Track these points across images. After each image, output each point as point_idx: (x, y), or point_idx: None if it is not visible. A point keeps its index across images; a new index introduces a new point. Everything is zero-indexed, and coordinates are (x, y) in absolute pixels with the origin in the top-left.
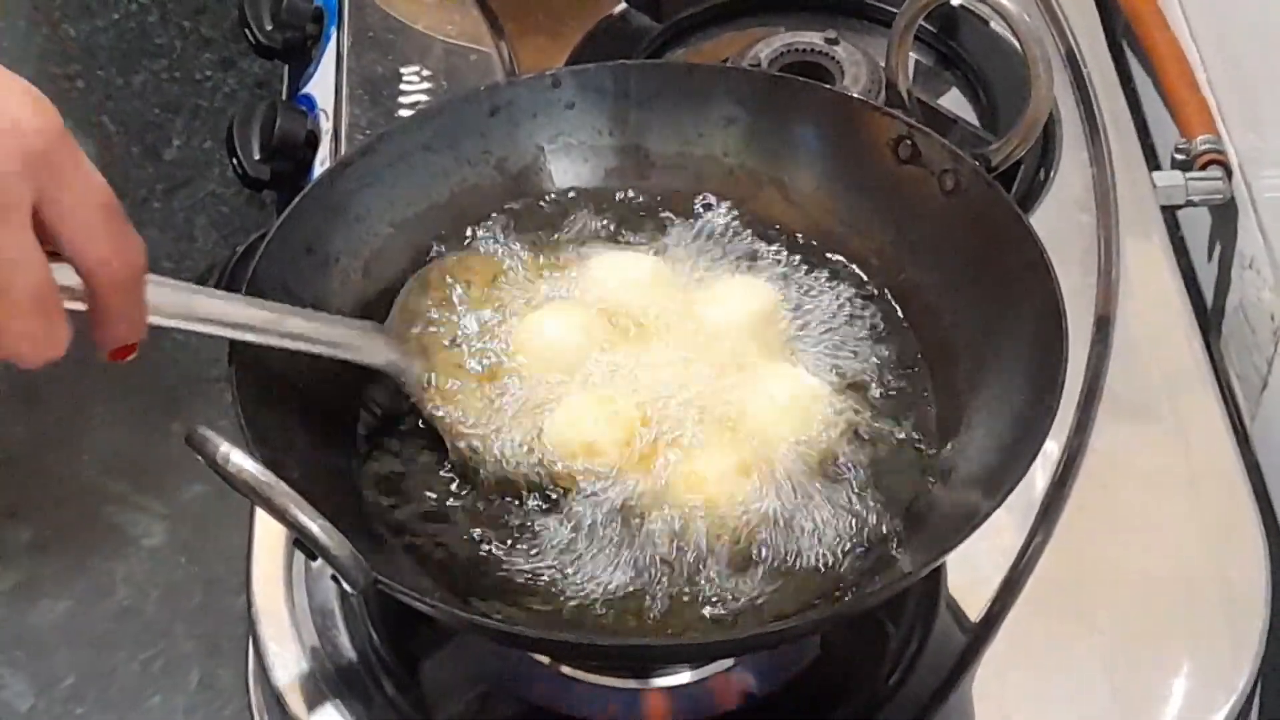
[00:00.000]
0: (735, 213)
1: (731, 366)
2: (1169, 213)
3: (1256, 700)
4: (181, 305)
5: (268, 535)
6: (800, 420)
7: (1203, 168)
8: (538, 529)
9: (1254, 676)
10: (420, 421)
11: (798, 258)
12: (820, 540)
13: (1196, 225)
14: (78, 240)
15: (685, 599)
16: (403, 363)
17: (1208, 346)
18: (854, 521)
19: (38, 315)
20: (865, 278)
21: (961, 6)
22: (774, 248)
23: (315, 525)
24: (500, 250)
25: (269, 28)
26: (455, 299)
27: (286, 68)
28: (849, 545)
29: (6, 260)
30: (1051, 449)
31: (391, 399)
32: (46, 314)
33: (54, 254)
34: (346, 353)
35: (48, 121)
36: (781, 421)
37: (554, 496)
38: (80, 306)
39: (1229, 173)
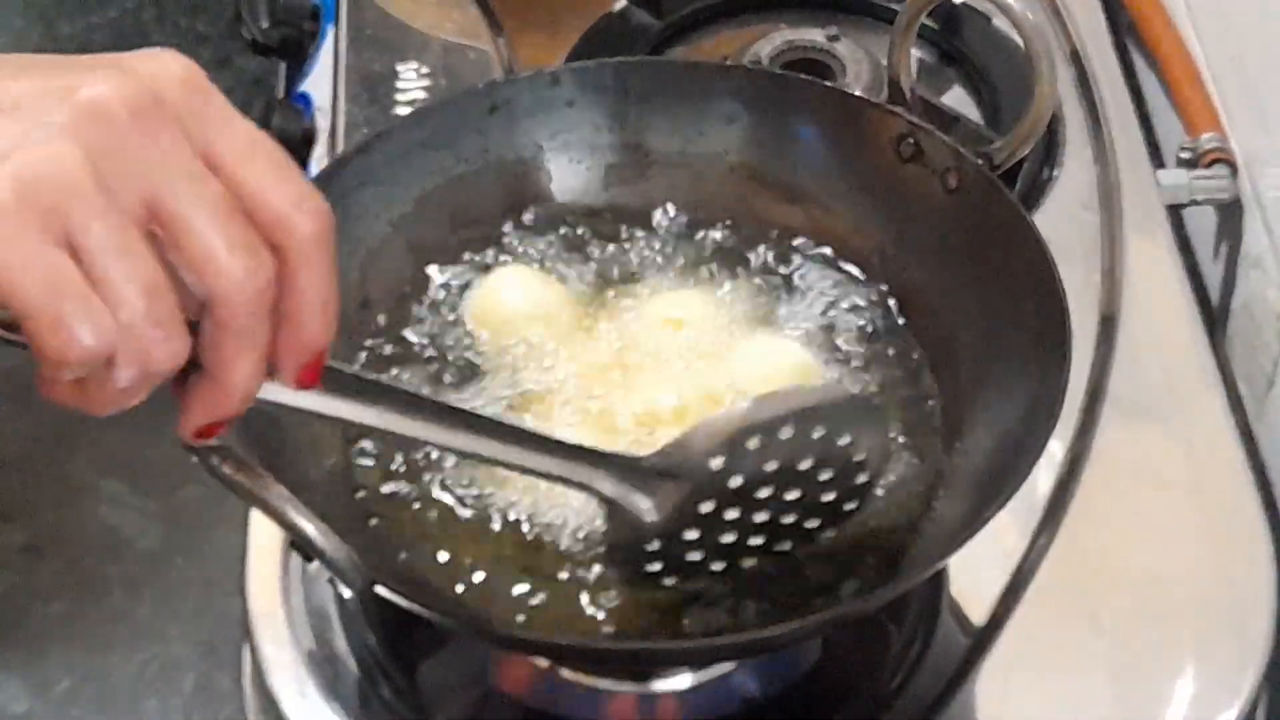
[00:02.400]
0: (735, 213)
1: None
2: (1174, 211)
3: (1262, 703)
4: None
5: (264, 537)
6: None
7: (1208, 166)
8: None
9: (1260, 679)
10: None
11: (798, 257)
12: (822, 543)
13: (1201, 224)
14: (249, 192)
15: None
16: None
17: (1213, 346)
18: (854, 524)
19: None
20: (867, 277)
21: (964, 3)
22: (773, 248)
23: (312, 527)
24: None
25: (265, 25)
26: None
27: (283, 65)
28: (850, 547)
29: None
30: (1055, 450)
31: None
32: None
33: None
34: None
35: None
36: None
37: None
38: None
39: (1234, 171)
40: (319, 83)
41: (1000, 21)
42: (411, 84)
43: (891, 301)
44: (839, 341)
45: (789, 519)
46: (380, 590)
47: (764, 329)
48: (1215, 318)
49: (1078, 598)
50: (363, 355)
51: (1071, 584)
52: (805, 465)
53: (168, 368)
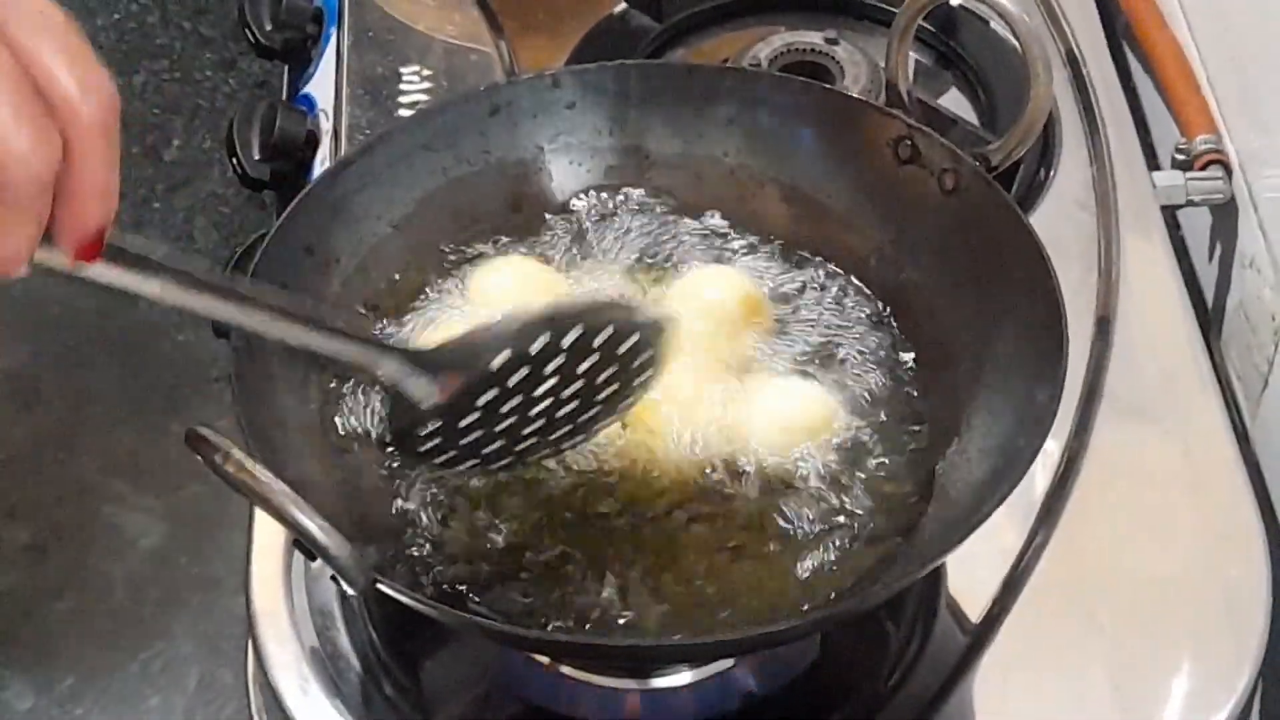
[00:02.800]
0: (734, 214)
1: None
2: (1169, 212)
3: (1257, 700)
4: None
5: (267, 536)
6: (800, 426)
7: (1203, 167)
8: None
9: (1255, 676)
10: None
11: (797, 257)
12: (821, 542)
13: (1197, 225)
14: (38, 71)
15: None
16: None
17: (1208, 346)
18: (854, 523)
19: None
20: (865, 277)
21: (961, 6)
22: (773, 247)
23: (315, 526)
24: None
25: (269, 28)
26: None
27: (286, 68)
28: (850, 546)
29: None
30: (1052, 449)
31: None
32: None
33: None
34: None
35: None
36: (782, 429)
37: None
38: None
39: (1229, 172)
40: (322, 85)
41: (997, 24)
42: (413, 86)
43: (889, 302)
44: (836, 341)
45: (566, 410)
46: (383, 588)
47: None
48: (1210, 318)
49: (1074, 595)
50: None
51: (1068, 582)
52: (585, 366)
53: None
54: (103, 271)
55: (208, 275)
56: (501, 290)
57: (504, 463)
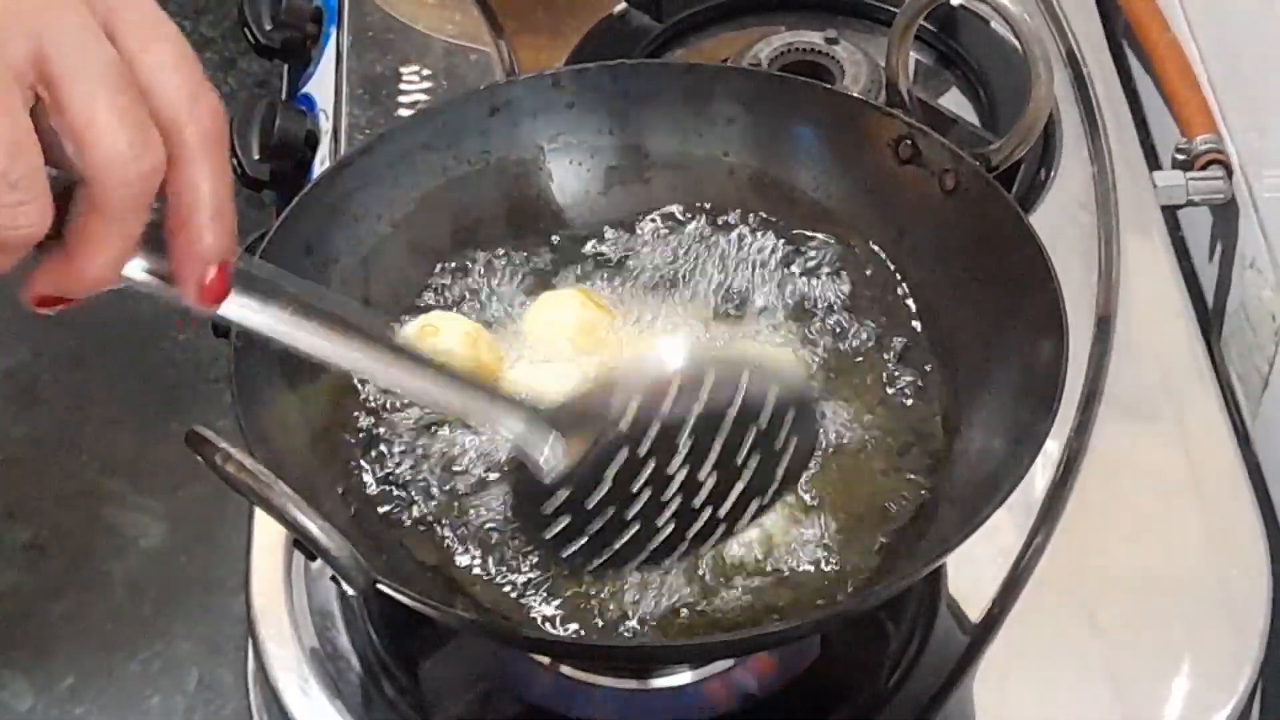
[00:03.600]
0: (734, 215)
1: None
2: (1169, 212)
3: (1257, 701)
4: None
5: (267, 536)
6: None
7: (1203, 167)
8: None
9: (1255, 677)
10: (422, 420)
11: (796, 257)
12: (821, 542)
13: (1197, 225)
14: (146, 77)
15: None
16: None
17: (1208, 346)
18: (853, 523)
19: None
20: (864, 278)
21: (962, 6)
22: (772, 248)
23: (314, 526)
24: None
25: (269, 28)
26: None
27: (286, 67)
28: (848, 546)
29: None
30: (1052, 449)
31: (391, 399)
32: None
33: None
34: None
35: None
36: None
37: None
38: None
39: (1229, 172)
40: (322, 85)
41: (997, 24)
42: (413, 86)
43: (889, 302)
44: (836, 341)
45: (706, 490)
46: (383, 588)
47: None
48: (1210, 318)
49: (1074, 595)
50: None
51: (1068, 582)
52: (721, 441)
53: (22, 236)
54: (242, 314)
55: (359, 316)
56: (555, 325)
57: (638, 559)
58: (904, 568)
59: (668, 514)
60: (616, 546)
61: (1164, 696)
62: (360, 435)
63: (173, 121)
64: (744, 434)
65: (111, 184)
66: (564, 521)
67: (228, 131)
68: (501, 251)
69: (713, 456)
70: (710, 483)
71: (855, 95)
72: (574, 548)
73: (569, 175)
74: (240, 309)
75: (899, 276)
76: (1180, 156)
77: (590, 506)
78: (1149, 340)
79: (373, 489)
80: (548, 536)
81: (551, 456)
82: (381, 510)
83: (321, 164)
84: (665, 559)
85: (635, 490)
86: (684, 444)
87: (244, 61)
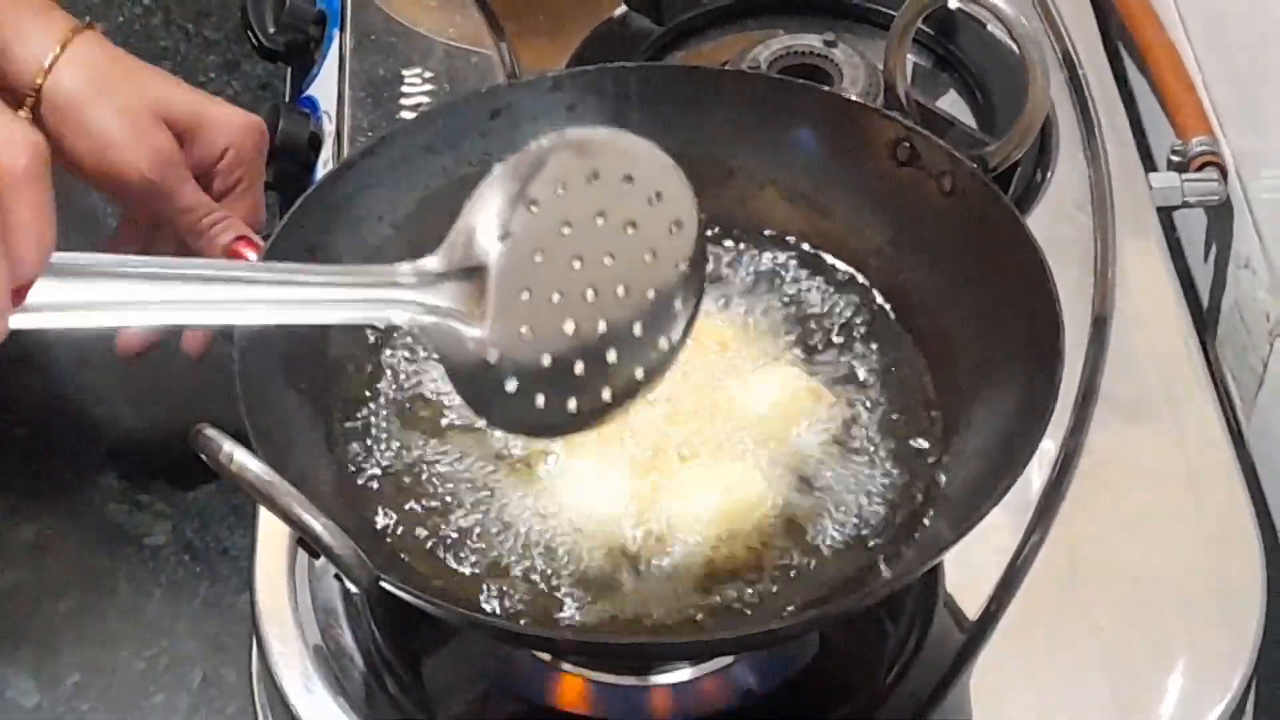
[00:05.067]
0: (734, 216)
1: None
2: (1165, 214)
3: (1251, 698)
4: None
5: (271, 534)
6: (799, 423)
7: (1198, 169)
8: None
9: (1249, 674)
10: (426, 420)
11: (795, 260)
12: (820, 540)
13: (1192, 226)
14: None
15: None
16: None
17: (1203, 346)
18: (854, 522)
19: None
20: (863, 279)
21: (959, 9)
22: (772, 250)
23: (318, 524)
24: None
25: (272, 30)
26: None
27: (289, 70)
28: (848, 545)
29: None
30: (1048, 448)
31: (397, 397)
32: None
33: None
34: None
35: None
36: (780, 425)
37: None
38: None
39: (1224, 174)
40: (324, 87)
41: (994, 27)
42: (415, 88)
43: (887, 303)
44: (836, 342)
45: (621, 289)
46: (386, 586)
47: (762, 332)
48: (1206, 318)
49: (1070, 594)
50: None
51: (1064, 580)
52: (605, 215)
53: None
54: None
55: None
56: None
57: (595, 390)
58: (901, 566)
59: (589, 310)
60: (573, 377)
61: (1159, 694)
62: (366, 434)
63: None
64: (626, 229)
65: None
66: (515, 382)
67: (45, 162)
68: None
69: (608, 259)
70: (615, 268)
71: (853, 98)
72: (541, 401)
73: None
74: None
75: (897, 277)
76: (1175, 158)
77: (522, 338)
78: (1144, 340)
79: (378, 486)
80: (511, 405)
81: (466, 309)
82: (386, 507)
83: (324, 166)
84: (616, 381)
85: (555, 301)
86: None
87: (247, 64)
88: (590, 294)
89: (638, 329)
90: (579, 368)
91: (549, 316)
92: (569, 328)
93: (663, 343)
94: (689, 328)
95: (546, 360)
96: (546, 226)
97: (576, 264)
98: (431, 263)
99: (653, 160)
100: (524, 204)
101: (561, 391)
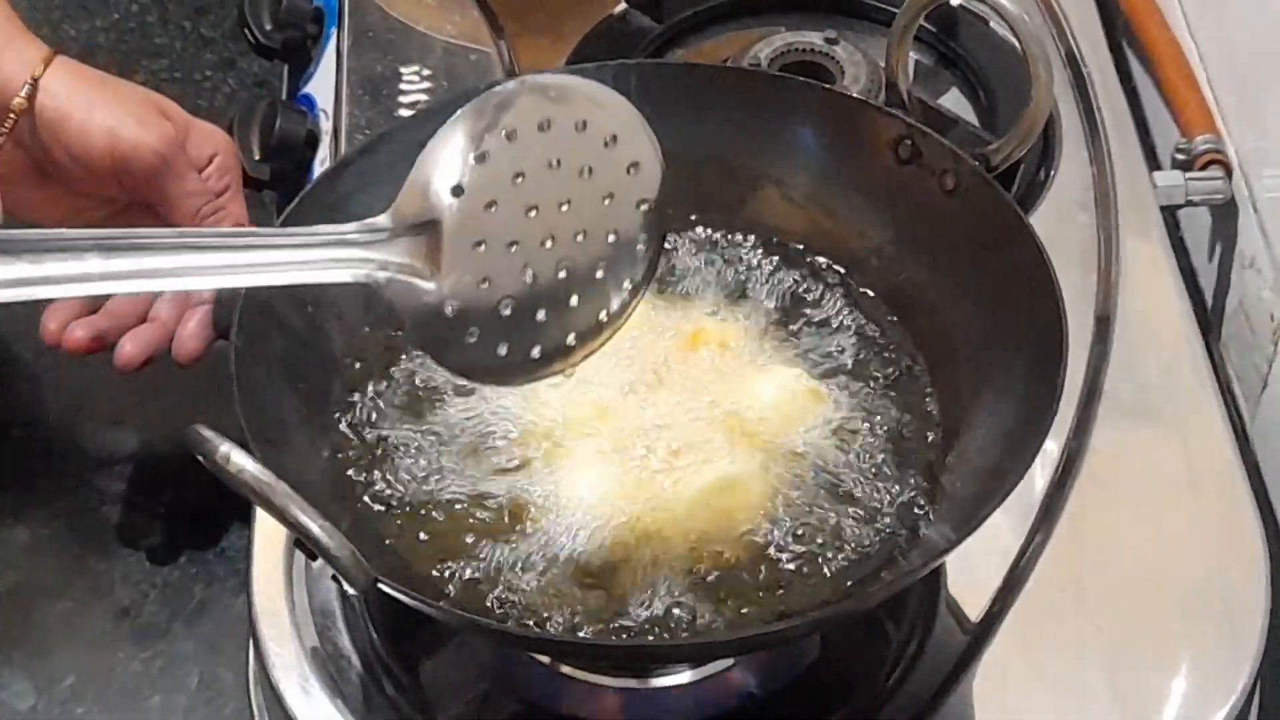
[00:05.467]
0: (734, 215)
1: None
2: (1169, 213)
3: (1256, 700)
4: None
5: (268, 535)
6: (800, 423)
7: (1203, 168)
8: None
9: (1253, 676)
10: (423, 420)
11: (796, 259)
12: (821, 541)
13: (1196, 225)
14: None
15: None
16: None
17: (1208, 346)
18: (853, 523)
19: None
20: (864, 278)
21: (961, 6)
22: (772, 249)
23: (315, 525)
24: None
25: (269, 28)
26: None
27: (286, 68)
28: (849, 546)
29: None
30: (1051, 449)
31: (396, 397)
32: None
33: None
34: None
35: None
36: (781, 426)
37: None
38: None
39: (1229, 172)
40: (322, 85)
41: (997, 24)
42: (413, 86)
43: (888, 303)
44: (837, 341)
45: (580, 234)
46: (383, 588)
47: (762, 331)
48: (1210, 318)
49: (1073, 595)
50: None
51: (1067, 582)
52: (559, 162)
53: None
54: None
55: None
56: None
57: (558, 335)
58: (904, 567)
59: (546, 260)
60: (534, 322)
61: (1163, 696)
62: (362, 434)
63: None
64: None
65: None
66: (473, 329)
67: None
68: None
69: (564, 203)
70: (571, 214)
71: (855, 96)
72: (501, 347)
73: None
74: None
75: (899, 276)
76: (1180, 157)
77: (483, 298)
78: (1148, 340)
79: (374, 488)
80: (471, 353)
81: (419, 265)
82: (383, 508)
83: (322, 164)
84: (576, 325)
85: (510, 245)
86: (532, 204)
87: (244, 62)
88: (549, 242)
89: (599, 272)
90: (540, 314)
91: (506, 267)
92: (528, 277)
93: (626, 283)
94: (653, 267)
95: (507, 310)
96: (498, 178)
97: (532, 213)
98: (382, 220)
99: (608, 103)
100: (474, 156)
101: (524, 338)
